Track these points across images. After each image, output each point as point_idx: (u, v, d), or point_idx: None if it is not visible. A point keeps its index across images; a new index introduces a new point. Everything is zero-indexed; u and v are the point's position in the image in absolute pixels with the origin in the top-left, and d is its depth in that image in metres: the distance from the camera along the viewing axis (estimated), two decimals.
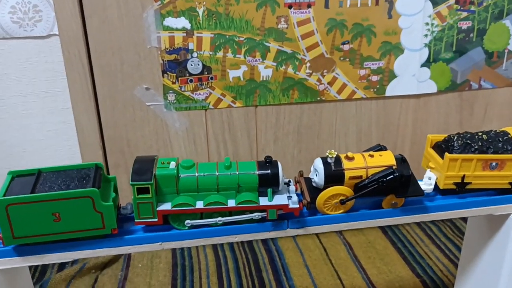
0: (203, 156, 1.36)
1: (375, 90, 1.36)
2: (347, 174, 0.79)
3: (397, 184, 0.79)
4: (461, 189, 0.85)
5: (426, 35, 1.32)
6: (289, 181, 0.82)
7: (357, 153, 0.81)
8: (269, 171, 0.77)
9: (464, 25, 1.32)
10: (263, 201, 0.77)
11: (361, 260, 1.38)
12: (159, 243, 0.78)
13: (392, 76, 1.35)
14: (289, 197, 0.78)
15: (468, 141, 0.84)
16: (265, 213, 0.77)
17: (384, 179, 0.78)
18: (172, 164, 0.76)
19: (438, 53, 1.34)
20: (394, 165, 0.79)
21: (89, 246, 0.76)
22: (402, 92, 1.37)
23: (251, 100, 1.32)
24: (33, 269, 1.35)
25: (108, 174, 1.33)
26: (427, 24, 1.31)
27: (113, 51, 1.22)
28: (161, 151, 1.33)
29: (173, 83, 1.27)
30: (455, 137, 0.85)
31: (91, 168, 0.77)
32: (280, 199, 0.78)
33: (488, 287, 0.96)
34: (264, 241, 1.48)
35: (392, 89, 1.36)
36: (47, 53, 1.24)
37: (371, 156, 0.81)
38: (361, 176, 0.79)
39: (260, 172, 0.77)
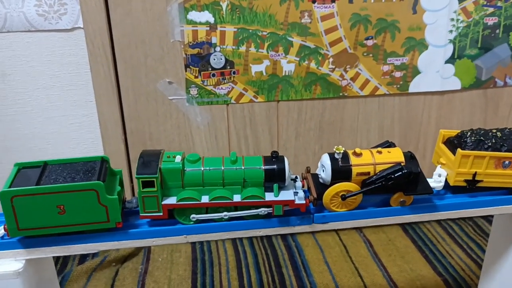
0: (224, 151, 1.36)
1: (398, 86, 1.35)
2: (355, 170, 0.78)
3: (406, 181, 0.78)
4: (471, 186, 0.83)
5: (451, 31, 1.30)
6: (296, 177, 0.81)
7: (365, 149, 0.80)
8: (275, 166, 0.76)
9: (490, 21, 1.31)
10: (269, 196, 0.76)
11: (382, 258, 1.37)
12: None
13: (416, 72, 1.33)
14: (296, 193, 0.77)
15: (482, 138, 0.82)
16: (271, 208, 0.76)
17: (392, 176, 0.77)
18: (178, 158, 0.76)
19: (463, 50, 1.33)
20: (403, 162, 0.78)
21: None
22: (425, 88, 1.36)
23: (273, 95, 1.31)
24: (55, 260, 1.36)
25: (130, 167, 1.35)
26: (452, 19, 1.29)
27: (137, 45, 1.23)
28: (182, 145, 1.33)
29: (196, 77, 1.27)
30: (468, 133, 0.84)
31: (97, 161, 0.77)
32: (286, 195, 0.77)
33: None
34: (284, 237, 1.47)
35: (415, 86, 1.35)
36: (71, 46, 1.25)
37: (379, 152, 0.80)
38: (368, 173, 0.78)
39: (266, 167, 0.76)
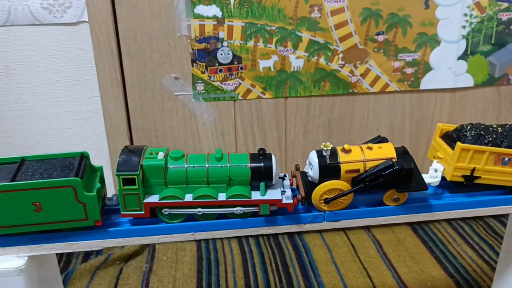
0: (230, 148, 1.33)
1: (409, 83, 1.32)
2: (343, 168, 0.75)
3: (398, 178, 0.74)
4: (469, 183, 0.80)
5: (464, 27, 1.27)
6: (285, 175, 0.79)
7: (355, 145, 0.77)
8: (262, 164, 0.74)
9: (505, 16, 1.27)
10: (256, 195, 0.73)
11: (391, 258, 1.34)
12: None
13: (428, 68, 1.30)
14: (283, 192, 0.75)
15: (482, 133, 0.79)
16: (257, 208, 0.74)
17: (383, 173, 0.73)
18: (161, 155, 0.73)
19: (476, 46, 1.30)
20: (394, 158, 0.75)
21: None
22: (437, 85, 1.33)
23: (281, 91, 1.29)
24: (58, 258, 1.34)
25: None
26: (465, 15, 1.26)
27: (143, 39, 1.20)
28: (188, 142, 1.31)
29: (203, 72, 1.25)
30: (468, 127, 0.81)
31: (76, 157, 0.74)
32: (273, 194, 0.74)
33: None
34: (291, 236, 1.45)
35: (427, 83, 1.32)
36: (76, 40, 1.23)
37: (370, 148, 0.76)
38: (358, 170, 0.75)
39: (253, 165, 0.73)
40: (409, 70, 1.30)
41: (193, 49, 1.22)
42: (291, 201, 0.74)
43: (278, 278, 1.26)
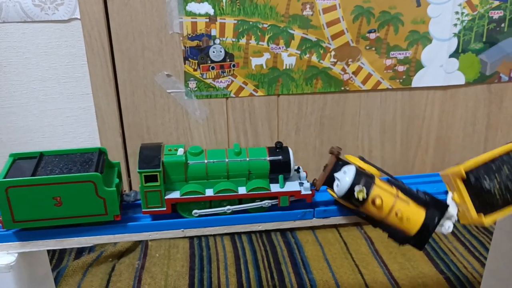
0: (223, 145, 1.33)
1: (401, 80, 1.32)
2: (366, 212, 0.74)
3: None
4: None
5: (455, 25, 1.28)
6: (299, 167, 0.79)
7: (388, 197, 0.71)
8: (280, 157, 0.74)
9: (496, 14, 1.28)
10: (275, 188, 0.74)
11: (383, 255, 1.35)
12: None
13: (419, 66, 1.31)
14: (301, 184, 0.76)
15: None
16: (277, 200, 0.75)
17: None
18: (180, 151, 0.73)
19: (468, 44, 1.30)
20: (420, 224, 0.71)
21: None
22: (429, 83, 1.33)
23: (273, 89, 1.29)
24: (50, 255, 1.34)
25: (127, 161, 1.32)
26: (457, 13, 1.26)
27: (135, 36, 1.20)
28: (181, 139, 1.31)
29: (195, 70, 1.25)
30: (495, 180, 0.69)
31: (94, 152, 0.75)
32: (291, 186, 0.75)
33: None
34: (283, 233, 1.45)
35: (418, 80, 1.33)
36: (68, 37, 1.23)
37: (398, 213, 0.71)
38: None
39: (271, 158, 0.74)
40: (400, 68, 1.31)
41: (185, 47, 1.22)
42: (310, 192, 0.75)
43: (270, 275, 1.27)
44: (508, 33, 1.30)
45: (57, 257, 1.33)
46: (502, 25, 1.29)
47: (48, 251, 1.28)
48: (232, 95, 1.28)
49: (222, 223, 0.77)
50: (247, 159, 0.74)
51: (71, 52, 1.24)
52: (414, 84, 1.33)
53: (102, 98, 1.25)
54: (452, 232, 1.45)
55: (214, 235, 1.44)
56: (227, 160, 0.74)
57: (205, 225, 0.76)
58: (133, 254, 1.35)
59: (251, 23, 1.22)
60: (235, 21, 1.21)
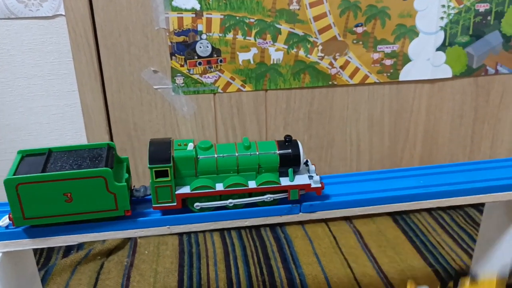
0: (211, 141, 1.33)
1: (389, 74, 1.32)
2: None
3: None
4: None
5: (442, 18, 1.28)
6: (307, 160, 0.79)
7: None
8: (290, 150, 0.75)
9: (482, 7, 1.28)
10: (284, 181, 0.75)
11: (372, 249, 1.36)
12: (171, 226, 0.75)
13: (406, 60, 1.31)
14: (310, 177, 0.76)
15: None
16: (287, 193, 0.75)
17: None
18: (190, 146, 0.73)
19: (454, 37, 1.30)
20: None
21: (102, 228, 0.74)
22: (416, 76, 1.34)
23: (261, 84, 1.29)
24: (38, 254, 1.33)
25: None
26: (443, 6, 1.26)
27: (120, 32, 1.19)
28: (168, 135, 1.30)
29: (182, 65, 1.24)
30: None
31: (103, 147, 0.74)
32: (301, 179, 0.75)
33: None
34: (273, 229, 1.45)
35: (406, 74, 1.33)
36: (52, 34, 1.21)
37: None
38: None
39: (281, 152, 0.74)
40: (388, 62, 1.31)
41: (171, 42, 1.22)
42: (319, 185, 0.75)
43: (259, 271, 1.27)
44: (494, 26, 1.31)
45: (45, 256, 1.32)
46: (488, 18, 1.30)
47: (36, 250, 1.28)
48: (219, 90, 1.28)
49: (208, 220, 0.76)
50: (257, 153, 0.74)
51: (56, 48, 1.23)
52: (402, 77, 1.33)
53: (88, 95, 1.24)
54: (441, 225, 1.46)
55: (204, 231, 1.43)
56: (237, 154, 0.74)
57: (190, 222, 0.76)
58: (122, 251, 1.34)
59: (237, 18, 1.21)
60: (222, 16, 1.20)
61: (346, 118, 1.36)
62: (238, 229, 1.45)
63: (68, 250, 1.34)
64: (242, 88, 1.28)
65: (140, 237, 1.39)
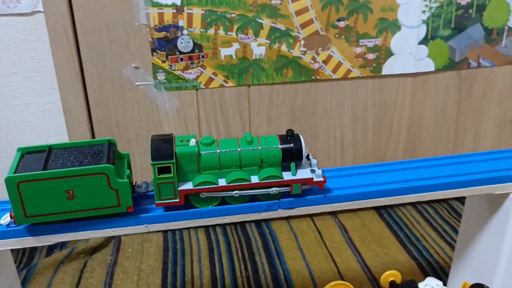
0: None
1: (371, 68, 1.32)
2: None
3: None
4: None
5: (424, 11, 1.28)
6: (308, 154, 0.79)
7: None
8: (292, 145, 0.75)
9: (464, 1, 1.28)
10: (287, 175, 0.75)
11: (356, 243, 1.36)
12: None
13: (389, 54, 1.31)
14: (313, 171, 0.76)
15: None
16: (289, 188, 0.75)
17: None
18: (192, 141, 0.73)
19: (436, 30, 1.30)
20: None
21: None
22: (399, 70, 1.34)
23: (244, 79, 1.28)
24: (21, 253, 1.32)
25: None
26: None
27: (101, 29, 1.18)
28: (151, 132, 1.30)
29: (163, 62, 1.23)
30: None
31: (104, 144, 0.74)
32: (304, 173, 0.75)
33: (487, 270, 0.93)
34: (258, 224, 1.45)
35: (388, 68, 1.33)
36: (32, 31, 1.20)
37: None
38: None
39: (283, 146, 0.74)
40: (370, 56, 1.31)
41: (152, 38, 1.21)
42: (322, 179, 0.75)
43: (244, 267, 1.26)
44: (475, 19, 1.31)
45: (27, 255, 1.31)
46: (470, 11, 1.30)
47: (18, 248, 1.26)
48: (202, 86, 1.27)
49: (187, 217, 0.76)
50: (259, 148, 0.74)
51: (35, 46, 1.21)
52: (384, 71, 1.33)
53: (69, 93, 1.23)
54: (425, 218, 1.47)
55: (189, 228, 1.43)
56: (239, 149, 0.73)
57: (169, 220, 0.76)
58: (106, 249, 1.34)
59: (219, 13, 1.20)
60: (203, 11, 1.20)
61: (330, 113, 1.36)
62: (223, 225, 1.44)
63: (51, 249, 1.33)
64: (224, 84, 1.28)
65: (124, 235, 1.38)
